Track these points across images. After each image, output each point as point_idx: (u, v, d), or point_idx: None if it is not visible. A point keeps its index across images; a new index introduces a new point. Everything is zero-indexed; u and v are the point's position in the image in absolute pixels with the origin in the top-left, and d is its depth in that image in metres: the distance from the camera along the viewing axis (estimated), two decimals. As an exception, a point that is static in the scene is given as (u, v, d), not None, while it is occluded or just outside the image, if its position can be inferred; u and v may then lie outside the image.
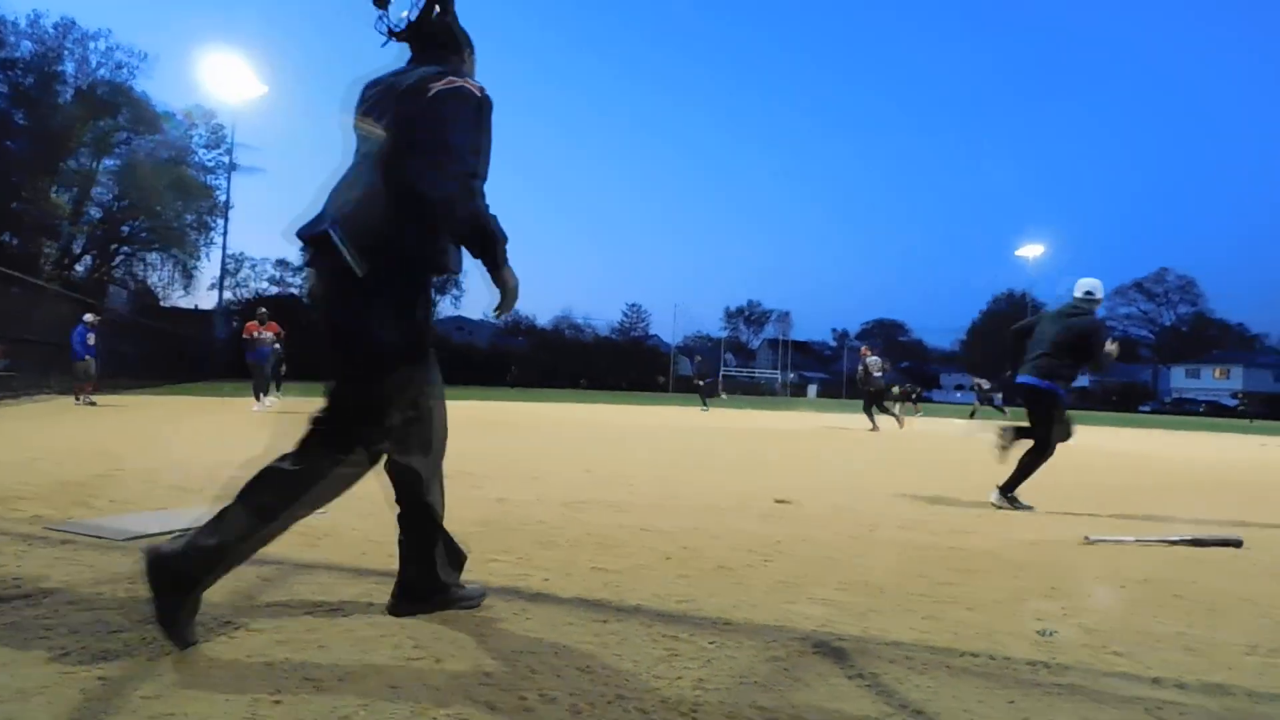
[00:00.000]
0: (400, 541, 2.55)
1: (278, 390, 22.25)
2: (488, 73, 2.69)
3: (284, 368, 23.56)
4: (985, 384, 30.53)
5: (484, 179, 2.31)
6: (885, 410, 17.70)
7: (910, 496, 6.24)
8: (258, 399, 15.15)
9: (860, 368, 17.43)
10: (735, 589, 3.08)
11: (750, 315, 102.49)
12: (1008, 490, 5.83)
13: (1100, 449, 13.69)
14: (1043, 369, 5.91)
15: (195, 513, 4.18)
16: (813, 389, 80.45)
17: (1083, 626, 2.79)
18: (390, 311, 2.28)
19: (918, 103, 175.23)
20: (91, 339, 16.31)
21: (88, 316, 16.75)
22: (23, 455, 6.49)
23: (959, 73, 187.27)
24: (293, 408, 14.71)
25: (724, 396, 37.55)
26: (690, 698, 1.98)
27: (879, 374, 17.43)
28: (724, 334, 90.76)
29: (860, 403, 18.08)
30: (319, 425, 2.32)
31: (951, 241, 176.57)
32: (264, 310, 16.07)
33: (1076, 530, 4.82)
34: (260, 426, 10.81)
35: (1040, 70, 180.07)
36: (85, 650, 2.12)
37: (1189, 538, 4.53)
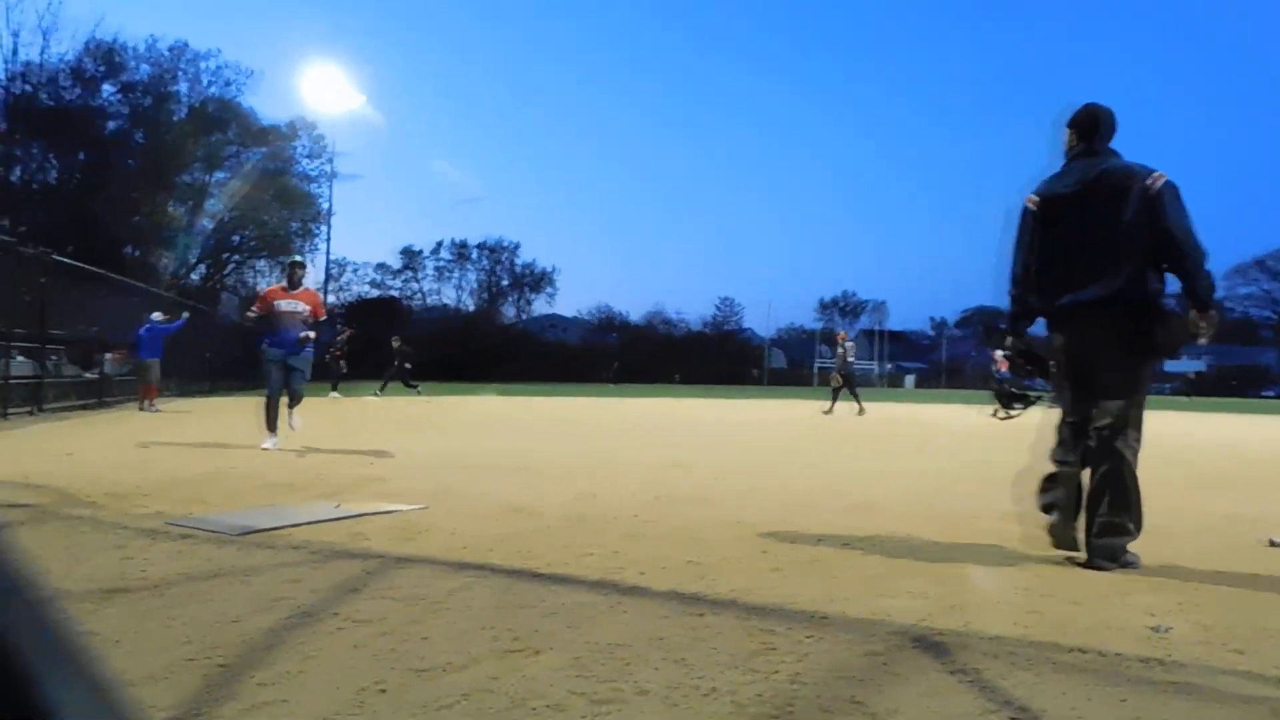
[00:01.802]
0: (1090, 494, 3.49)
1: (334, 390, 18.83)
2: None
3: (343, 364, 19.88)
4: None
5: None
6: (854, 395, 17.41)
7: (1006, 486, 6.04)
8: (270, 428, 7.79)
9: (840, 351, 17.77)
10: (829, 582, 3.05)
11: (845, 306, 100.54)
12: None
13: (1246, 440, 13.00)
14: None
15: (305, 508, 4.38)
16: (910, 379, 78.91)
17: (1199, 623, 2.66)
18: (1147, 335, 3.46)
19: (1013, 88, 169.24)
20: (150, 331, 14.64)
21: (155, 315, 15.37)
22: (135, 455, 6.90)
23: (1054, 57, 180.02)
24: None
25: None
26: (786, 692, 1.97)
27: (853, 359, 18.11)
28: (818, 325, 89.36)
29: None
30: (1102, 429, 3.48)
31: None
32: (300, 262, 8.71)
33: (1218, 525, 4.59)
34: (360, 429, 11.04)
35: (1140, 36, 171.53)
36: (206, 639, 2.25)
37: None
